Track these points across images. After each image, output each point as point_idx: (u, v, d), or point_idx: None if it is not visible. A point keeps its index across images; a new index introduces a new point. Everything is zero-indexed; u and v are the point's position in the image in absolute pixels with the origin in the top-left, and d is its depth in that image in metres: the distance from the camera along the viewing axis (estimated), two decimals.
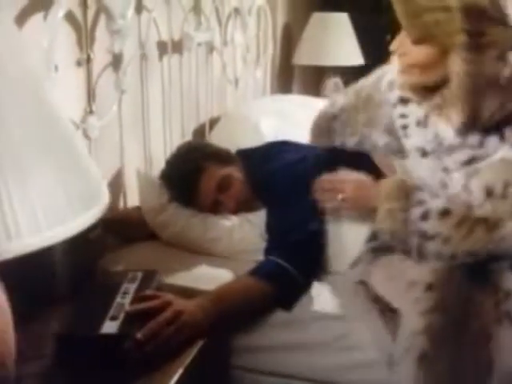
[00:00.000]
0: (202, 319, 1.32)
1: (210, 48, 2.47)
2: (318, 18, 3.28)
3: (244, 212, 1.82)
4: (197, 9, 2.32)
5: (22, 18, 1.42)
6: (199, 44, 2.35)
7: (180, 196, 1.83)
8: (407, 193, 1.37)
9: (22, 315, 0.98)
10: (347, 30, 3.28)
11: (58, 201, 0.71)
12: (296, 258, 1.54)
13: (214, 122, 2.51)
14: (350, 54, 3.28)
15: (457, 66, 1.22)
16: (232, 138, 2.00)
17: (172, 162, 1.90)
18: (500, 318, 1.25)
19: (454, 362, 1.25)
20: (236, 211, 1.82)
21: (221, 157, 1.88)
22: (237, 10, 2.69)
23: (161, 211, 1.81)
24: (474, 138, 1.30)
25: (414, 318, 1.30)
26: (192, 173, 1.80)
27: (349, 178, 1.52)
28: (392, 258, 1.43)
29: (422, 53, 1.28)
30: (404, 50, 1.33)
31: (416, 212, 1.33)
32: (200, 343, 1.32)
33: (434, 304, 1.29)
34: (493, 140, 1.28)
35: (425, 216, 1.32)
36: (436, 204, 1.33)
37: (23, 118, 0.71)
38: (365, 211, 1.46)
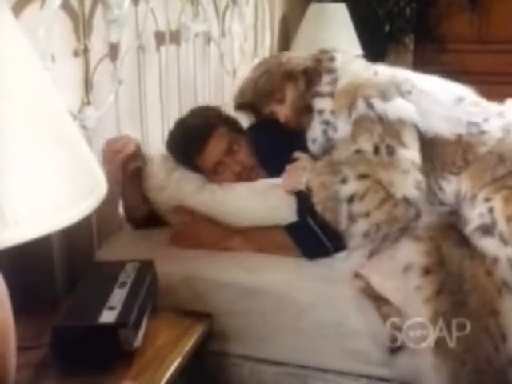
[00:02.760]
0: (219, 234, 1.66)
1: (208, 38, 2.47)
2: (315, 8, 3.27)
3: (243, 180, 1.78)
4: None
5: (18, 7, 1.41)
6: (197, 34, 2.35)
7: (186, 152, 1.77)
8: (334, 168, 1.53)
9: (21, 306, 0.99)
10: (345, 21, 3.27)
11: (55, 190, 0.71)
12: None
13: None
14: (348, 44, 3.27)
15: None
16: None
17: (183, 118, 1.87)
18: (500, 289, 1.29)
19: (466, 339, 1.28)
20: (239, 175, 1.77)
21: (233, 123, 1.87)
22: (234, 1, 2.67)
23: (162, 189, 1.75)
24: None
25: (418, 306, 1.33)
26: (205, 127, 1.76)
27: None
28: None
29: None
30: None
31: (336, 178, 1.49)
32: (197, 333, 1.33)
33: (435, 289, 1.32)
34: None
35: (344, 180, 1.48)
36: (354, 171, 1.47)
37: (21, 108, 0.71)
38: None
